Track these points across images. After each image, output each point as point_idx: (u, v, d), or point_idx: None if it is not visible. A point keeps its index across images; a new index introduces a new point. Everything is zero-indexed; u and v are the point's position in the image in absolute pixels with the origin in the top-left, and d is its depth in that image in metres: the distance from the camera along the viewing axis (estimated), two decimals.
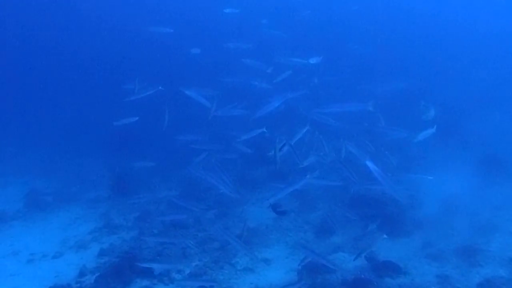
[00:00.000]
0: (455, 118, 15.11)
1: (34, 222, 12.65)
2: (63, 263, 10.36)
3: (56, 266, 10.25)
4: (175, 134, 12.83)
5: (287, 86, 11.89)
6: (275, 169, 9.94)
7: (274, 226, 11.34)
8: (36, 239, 11.57)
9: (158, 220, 11.26)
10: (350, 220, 10.48)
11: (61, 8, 25.11)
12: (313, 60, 11.33)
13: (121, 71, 13.25)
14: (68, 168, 16.46)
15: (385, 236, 10.10)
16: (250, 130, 10.88)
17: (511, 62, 19.75)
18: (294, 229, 11.14)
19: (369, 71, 15.60)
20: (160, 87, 10.48)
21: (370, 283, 8.51)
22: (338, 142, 9.92)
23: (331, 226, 10.20)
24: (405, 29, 22.12)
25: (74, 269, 9.90)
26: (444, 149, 13.66)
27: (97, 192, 14.24)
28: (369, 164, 8.18)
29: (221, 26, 18.84)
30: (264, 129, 10.57)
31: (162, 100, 11.20)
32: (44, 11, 24.88)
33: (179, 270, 9.52)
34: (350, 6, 18.74)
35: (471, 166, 12.56)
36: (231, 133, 11.89)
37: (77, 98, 20.20)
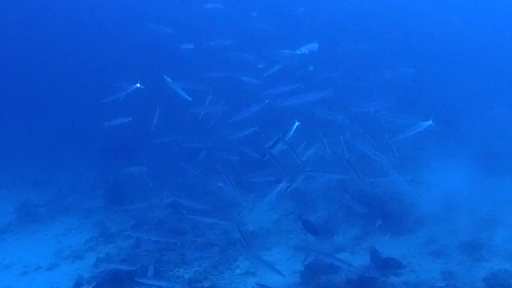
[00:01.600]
0: (453, 114, 15.07)
1: (27, 234, 12.32)
2: (58, 274, 10.08)
3: (51, 277, 9.96)
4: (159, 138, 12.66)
5: (283, 81, 11.71)
6: (276, 169, 9.73)
7: (274, 229, 11.15)
8: (30, 251, 11.26)
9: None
10: (357, 213, 10.33)
11: (45, 13, 24.61)
12: (301, 50, 10.91)
13: (111, 75, 12.97)
14: (62, 179, 16.16)
15: (387, 237, 10.03)
16: (241, 129, 10.78)
17: (509, 58, 19.83)
18: (295, 231, 10.94)
19: (364, 68, 15.56)
20: (138, 85, 10.19)
21: (375, 281, 8.33)
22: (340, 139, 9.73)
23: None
24: (400, 25, 22.17)
25: (70, 280, 9.62)
26: (442, 144, 13.59)
27: (92, 201, 13.95)
28: (392, 173, 8.38)
29: (207, 21, 18.37)
30: (256, 128, 10.43)
31: (153, 103, 10.99)
32: (29, 17, 24.38)
33: (179, 276, 9.28)
34: (341, 2, 18.64)
35: (470, 161, 12.50)
36: (222, 132, 11.70)
37: (69, 107, 19.89)
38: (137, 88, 10.17)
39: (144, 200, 12.57)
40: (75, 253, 10.89)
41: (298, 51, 11.11)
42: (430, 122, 8.90)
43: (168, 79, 10.03)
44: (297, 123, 8.64)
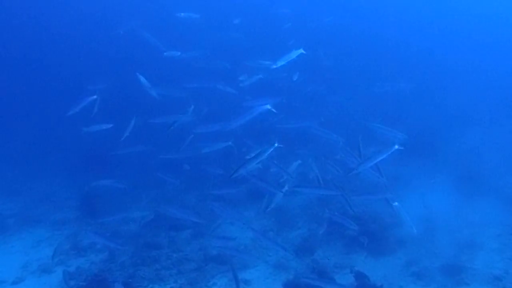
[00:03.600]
0: (430, 137, 15.22)
1: None
2: None
3: None
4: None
5: (263, 93, 11.54)
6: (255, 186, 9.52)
7: (253, 246, 10.83)
8: None
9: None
10: (338, 232, 10.16)
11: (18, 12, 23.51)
12: (277, 64, 10.47)
13: (85, 81, 12.63)
14: (33, 189, 15.46)
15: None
16: (214, 142, 10.60)
17: (486, 80, 20.34)
18: (273, 249, 10.66)
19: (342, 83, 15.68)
20: (95, 96, 10.08)
21: None
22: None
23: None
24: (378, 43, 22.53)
25: None
26: (420, 168, 13.66)
27: (64, 213, 13.35)
28: (395, 205, 8.72)
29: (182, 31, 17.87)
30: (230, 143, 10.28)
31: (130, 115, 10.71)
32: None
33: None
34: (322, 18, 18.68)
35: (448, 184, 12.56)
36: (196, 144, 11.43)
37: (43, 114, 19.08)
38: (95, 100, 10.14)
39: (119, 212, 12.08)
40: (43, 266, 10.32)
41: (274, 66, 10.73)
42: (396, 147, 8.78)
43: (142, 78, 9.86)
44: (276, 145, 8.39)
